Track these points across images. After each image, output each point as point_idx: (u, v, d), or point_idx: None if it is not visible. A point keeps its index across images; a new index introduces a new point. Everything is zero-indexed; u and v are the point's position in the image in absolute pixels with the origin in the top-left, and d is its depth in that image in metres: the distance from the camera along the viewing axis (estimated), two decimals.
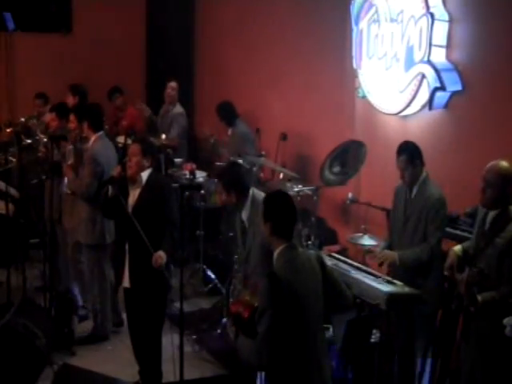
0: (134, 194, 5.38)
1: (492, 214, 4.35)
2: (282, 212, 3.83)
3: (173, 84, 8.77)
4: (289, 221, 3.82)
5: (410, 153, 5.16)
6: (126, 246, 5.41)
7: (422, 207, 5.11)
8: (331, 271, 4.05)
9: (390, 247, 5.34)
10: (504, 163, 4.29)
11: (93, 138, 6.26)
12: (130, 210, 5.28)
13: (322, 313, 3.88)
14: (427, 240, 5.11)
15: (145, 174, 5.38)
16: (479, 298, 4.15)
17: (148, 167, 5.39)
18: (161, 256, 5.12)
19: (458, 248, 4.62)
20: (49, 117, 7.11)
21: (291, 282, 3.70)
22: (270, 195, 4.03)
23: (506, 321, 4.08)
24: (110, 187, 5.45)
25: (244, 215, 4.81)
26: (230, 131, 7.85)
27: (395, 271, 5.19)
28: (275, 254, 3.82)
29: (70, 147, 6.39)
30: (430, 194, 5.13)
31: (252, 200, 4.79)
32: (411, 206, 5.19)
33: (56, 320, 6.10)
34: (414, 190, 5.20)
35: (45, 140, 6.83)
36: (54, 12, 9.84)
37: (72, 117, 6.55)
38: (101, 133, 6.32)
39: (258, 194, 4.87)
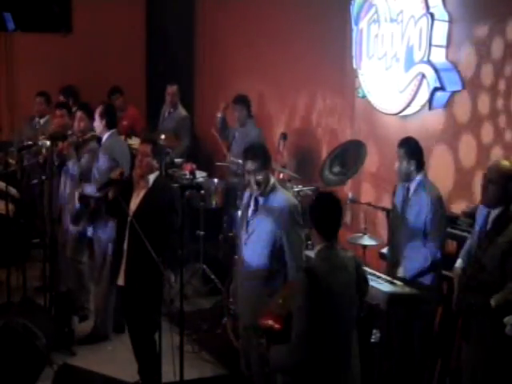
0: (138, 195, 5.35)
1: (494, 213, 4.36)
2: (324, 211, 3.90)
3: (172, 89, 8.71)
4: (329, 221, 3.88)
5: (408, 147, 5.19)
6: (124, 245, 5.42)
7: (420, 207, 5.12)
8: (364, 273, 4.11)
9: (392, 248, 5.37)
10: (505, 162, 4.33)
11: (106, 136, 6.32)
12: (132, 210, 5.26)
13: (356, 314, 3.92)
14: (430, 239, 5.10)
15: (152, 177, 5.35)
16: (492, 302, 4.15)
17: (156, 169, 5.38)
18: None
19: (459, 262, 4.67)
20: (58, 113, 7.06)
21: (327, 279, 3.74)
22: (321, 193, 4.13)
23: (506, 320, 4.09)
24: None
25: (262, 197, 4.78)
26: (246, 127, 7.70)
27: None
28: (315, 250, 3.91)
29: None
30: (427, 194, 5.13)
31: (273, 184, 4.78)
32: (409, 205, 5.20)
33: (56, 320, 6.10)
34: (412, 189, 5.21)
35: (47, 143, 6.80)
36: (55, 12, 9.85)
37: (81, 114, 6.54)
38: (114, 130, 6.39)
39: (279, 185, 4.88)
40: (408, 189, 5.24)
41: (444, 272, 5.17)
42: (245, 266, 4.86)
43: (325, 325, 3.71)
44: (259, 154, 4.78)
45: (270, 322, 3.86)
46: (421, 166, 5.20)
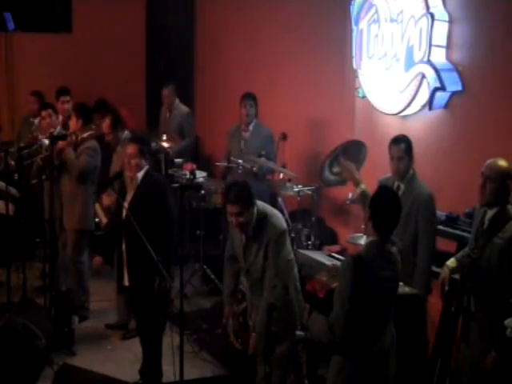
0: (130, 194, 5.38)
1: (490, 213, 4.36)
2: (382, 208, 3.86)
3: (167, 91, 8.68)
4: (385, 219, 3.85)
5: (407, 143, 5.20)
6: (123, 246, 5.42)
7: (412, 204, 5.12)
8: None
9: None
10: (502, 160, 4.34)
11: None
12: (125, 210, 5.27)
13: (392, 310, 3.95)
14: (422, 235, 5.11)
15: (140, 174, 5.36)
16: (507, 323, 4.14)
17: (146, 166, 5.38)
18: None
19: (451, 261, 4.65)
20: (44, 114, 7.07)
21: (372, 270, 3.75)
22: (383, 187, 4.09)
23: (507, 322, 4.09)
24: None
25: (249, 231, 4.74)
26: (251, 127, 7.67)
27: None
28: (366, 240, 3.91)
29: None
30: (419, 192, 5.15)
31: (257, 214, 4.69)
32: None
33: (56, 320, 6.10)
34: (402, 187, 5.20)
35: (46, 142, 6.80)
36: (57, 12, 9.87)
37: (74, 115, 6.58)
38: None
39: (262, 206, 4.79)
40: (398, 187, 5.23)
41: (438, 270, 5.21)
42: (252, 287, 4.91)
43: (363, 312, 3.74)
44: (241, 195, 4.63)
45: (316, 287, 3.99)
46: (412, 162, 5.23)
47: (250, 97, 7.55)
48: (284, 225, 4.79)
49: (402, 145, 5.18)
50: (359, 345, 3.79)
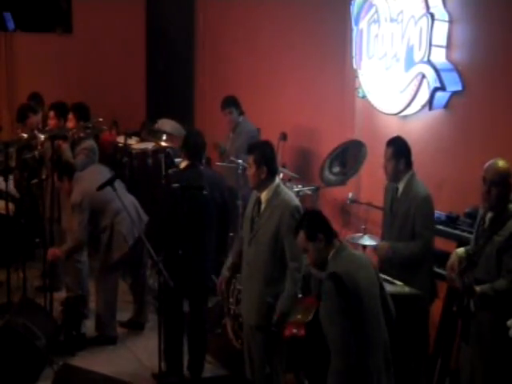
0: None
1: (491, 212, 4.36)
2: (321, 217, 4.11)
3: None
4: (328, 224, 4.08)
5: (396, 147, 5.23)
6: None
7: (409, 205, 5.15)
8: (383, 282, 4.15)
9: None
10: (501, 162, 4.33)
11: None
12: None
13: (381, 312, 3.96)
14: (417, 236, 5.12)
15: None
16: (477, 288, 4.16)
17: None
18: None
19: (461, 250, 4.64)
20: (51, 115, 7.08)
21: (351, 277, 3.81)
22: (311, 212, 4.30)
23: (509, 323, 4.09)
24: None
25: (264, 196, 4.78)
26: (237, 127, 7.71)
27: (385, 266, 5.21)
28: (329, 258, 3.98)
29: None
30: (416, 193, 5.17)
31: (277, 186, 4.79)
32: (397, 203, 5.25)
33: (66, 324, 6.07)
34: (400, 188, 5.26)
35: (42, 137, 6.79)
36: (63, 9, 9.88)
37: (71, 116, 6.59)
38: None
39: (282, 185, 4.90)
40: (397, 188, 5.28)
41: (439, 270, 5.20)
42: (247, 267, 4.88)
43: (361, 321, 3.76)
44: (254, 147, 4.86)
45: (294, 331, 3.96)
46: (409, 165, 5.23)
47: (225, 105, 7.71)
48: (298, 203, 4.85)
49: (389, 148, 5.25)
50: (370, 351, 3.80)
